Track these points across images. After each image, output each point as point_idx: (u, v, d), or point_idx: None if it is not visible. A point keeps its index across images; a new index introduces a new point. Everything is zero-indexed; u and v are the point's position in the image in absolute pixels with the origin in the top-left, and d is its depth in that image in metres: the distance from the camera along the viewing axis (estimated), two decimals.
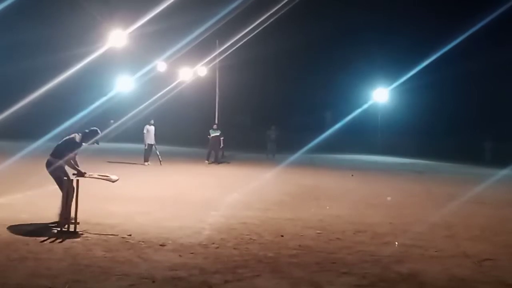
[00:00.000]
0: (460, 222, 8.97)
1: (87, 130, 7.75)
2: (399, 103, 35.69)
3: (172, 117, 32.68)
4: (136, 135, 20.88)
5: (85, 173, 7.50)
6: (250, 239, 7.03)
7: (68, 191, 7.17)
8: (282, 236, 7.29)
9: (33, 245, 6.23)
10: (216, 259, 5.93)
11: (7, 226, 7.10)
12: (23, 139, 22.14)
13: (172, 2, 18.82)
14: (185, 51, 25.31)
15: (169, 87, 26.24)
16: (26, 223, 7.39)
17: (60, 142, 7.69)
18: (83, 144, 7.64)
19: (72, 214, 7.05)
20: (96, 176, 7.61)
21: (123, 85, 30.79)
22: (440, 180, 17.88)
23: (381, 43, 35.15)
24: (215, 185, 13.49)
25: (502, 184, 16.72)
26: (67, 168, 7.61)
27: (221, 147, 21.22)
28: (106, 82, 31.66)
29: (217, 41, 24.91)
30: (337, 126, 30.63)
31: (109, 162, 18.07)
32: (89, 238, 6.67)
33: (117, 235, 6.88)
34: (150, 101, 24.06)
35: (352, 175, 17.70)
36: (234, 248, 6.47)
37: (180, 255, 6.03)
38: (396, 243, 7.15)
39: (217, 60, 25.53)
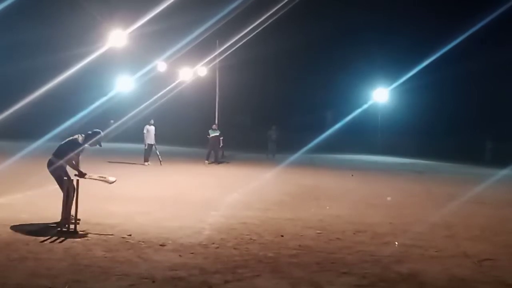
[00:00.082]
0: (460, 222, 8.97)
1: (90, 132, 7.76)
2: (399, 103, 35.68)
3: (172, 117, 32.67)
4: (136, 135, 20.89)
5: (85, 174, 7.51)
6: (250, 239, 7.03)
7: (69, 191, 7.17)
8: (282, 236, 7.29)
9: (33, 245, 6.23)
10: (216, 259, 5.93)
11: (7, 226, 7.10)
12: (23, 139, 22.15)
13: (172, 2, 18.81)
14: (185, 51, 25.31)
15: (169, 87, 26.22)
16: (26, 223, 7.39)
17: (62, 143, 7.71)
18: (86, 145, 7.65)
19: (73, 214, 7.06)
20: (96, 177, 7.62)
21: (123, 85, 30.76)
22: (440, 180, 17.88)
23: (381, 43, 35.15)
24: (215, 185, 13.49)
25: (502, 184, 16.72)
26: (68, 168, 7.62)
27: (220, 146, 21.23)
28: (106, 82, 31.63)
29: (217, 41, 24.90)
30: (337, 126, 30.63)
31: (109, 162, 18.06)
32: (89, 238, 6.67)
33: (113, 234, 6.88)
34: (150, 101, 24.05)
35: (352, 175, 17.71)
36: (234, 248, 6.47)
37: (180, 255, 6.03)
38: (396, 243, 7.15)
39: (217, 60, 25.51)
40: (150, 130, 19.00)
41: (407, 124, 33.94)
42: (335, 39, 36.70)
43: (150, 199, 10.31)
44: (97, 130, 7.88)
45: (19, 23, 31.08)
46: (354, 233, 7.69)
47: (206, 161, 20.37)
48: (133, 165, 18.08)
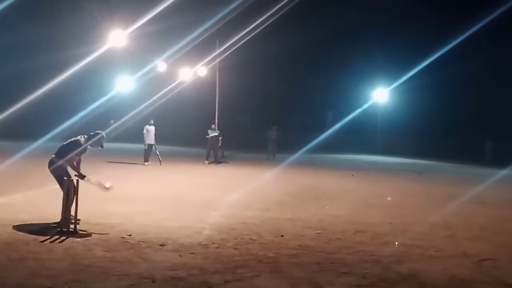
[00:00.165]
0: (460, 222, 8.97)
1: (92, 133, 7.77)
2: (399, 103, 35.67)
3: (172, 117, 32.67)
4: (136, 135, 20.89)
5: (85, 176, 7.51)
6: (250, 239, 7.03)
7: (69, 191, 7.18)
8: (282, 236, 7.29)
9: (33, 245, 6.23)
10: (216, 259, 5.93)
11: (7, 226, 7.10)
12: (23, 139, 22.15)
13: (172, 2, 18.81)
14: (185, 51, 25.31)
15: (169, 87, 26.22)
16: (26, 223, 7.39)
17: (64, 143, 7.71)
18: (87, 146, 7.65)
19: (73, 214, 7.06)
20: (93, 182, 7.59)
21: (123, 85, 30.77)
22: (440, 180, 17.88)
23: (381, 43, 35.15)
24: (215, 185, 13.49)
25: (502, 184, 16.72)
26: (69, 169, 7.63)
27: (219, 145, 21.23)
28: (106, 82, 31.63)
29: (217, 41, 24.90)
30: (337, 126, 30.64)
31: (109, 162, 18.07)
32: (89, 238, 6.67)
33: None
34: (150, 101, 24.05)
35: (352, 175, 17.71)
36: (234, 248, 6.47)
37: (180, 255, 6.03)
38: (396, 243, 7.15)
39: (217, 60, 25.50)
40: (150, 130, 19.01)
41: (407, 124, 33.93)
42: (335, 39, 36.72)
43: (150, 199, 10.31)
44: (99, 131, 7.89)
45: (19, 23, 31.08)
46: (354, 233, 7.69)
47: (206, 161, 20.38)
48: (133, 165, 18.08)
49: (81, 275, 5.16)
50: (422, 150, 31.09)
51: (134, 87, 30.49)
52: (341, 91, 36.57)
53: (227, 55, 25.45)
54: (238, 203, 10.24)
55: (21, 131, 26.59)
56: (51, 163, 7.58)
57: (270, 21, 23.51)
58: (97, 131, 7.86)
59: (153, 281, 5.06)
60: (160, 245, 6.46)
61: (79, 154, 7.61)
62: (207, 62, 26.04)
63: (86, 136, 7.70)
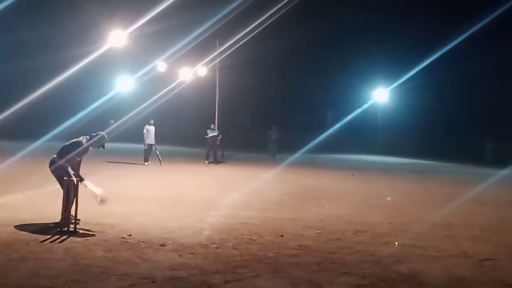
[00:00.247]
0: (460, 222, 8.97)
1: (94, 134, 7.77)
2: (399, 103, 35.67)
3: (172, 117, 32.67)
4: (136, 135, 20.90)
5: (83, 179, 7.49)
6: (250, 239, 7.03)
7: (69, 191, 7.18)
8: (282, 236, 7.29)
9: (33, 245, 6.23)
10: (216, 259, 5.93)
11: (7, 226, 7.10)
12: (23, 139, 22.15)
13: (172, 2, 18.80)
14: (185, 51, 25.30)
15: (169, 87, 26.21)
16: (26, 223, 7.39)
17: (66, 143, 7.71)
18: (89, 147, 7.65)
19: (73, 214, 7.07)
20: (90, 188, 7.53)
21: (123, 85, 30.76)
22: (440, 180, 17.88)
23: (381, 43, 35.15)
24: (215, 185, 13.49)
25: (502, 184, 16.72)
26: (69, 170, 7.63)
27: (217, 145, 21.24)
28: (106, 82, 31.62)
29: (217, 41, 24.89)
30: (337, 126, 30.64)
31: (109, 162, 18.07)
32: (89, 238, 6.67)
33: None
34: (150, 101, 24.04)
35: (352, 175, 17.71)
36: (234, 248, 6.47)
37: (180, 255, 6.03)
38: (396, 243, 7.15)
39: (217, 60, 25.49)
40: (150, 130, 19.02)
41: (407, 124, 33.93)
42: (335, 39, 36.71)
43: (150, 199, 10.32)
44: (101, 133, 7.90)
45: (19, 23, 31.08)
46: (354, 233, 7.69)
47: (206, 161, 20.40)
48: (133, 165, 18.09)
49: (81, 275, 5.16)
50: (422, 150, 31.09)
51: (134, 87, 30.48)
52: (341, 91, 36.58)
53: (227, 55, 25.44)
54: (238, 203, 10.24)
55: (21, 131, 26.59)
56: (51, 163, 7.59)
57: (270, 21, 23.51)
58: (99, 133, 7.87)
59: (153, 281, 5.06)
60: (160, 245, 6.46)
61: (80, 154, 7.60)
62: (207, 62, 26.03)
63: (88, 137, 7.70)
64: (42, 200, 9.24)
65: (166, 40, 26.92)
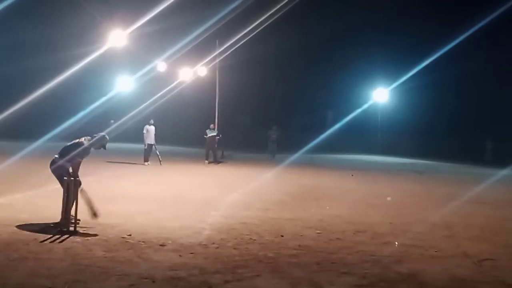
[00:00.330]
0: (460, 222, 8.97)
1: (95, 135, 7.77)
2: (399, 103, 35.67)
3: (172, 117, 32.66)
4: (136, 135, 20.89)
5: (80, 184, 7.45)
6: (250, 239, 7.03)
7: (69, 191, 7.18)
8: (282, 236, 7.29)
9: (33, 245, 6.23)
10: (216, 259, 5.93)
11: (7, 226, 7.10)
12: (23, 139, 22.15)
13: (172, 2, 18.81)
14: (185, 51, 25.30)
15: (169, 87, 26.22)
16: (26, 223, 7.39)
17: (68, 144, 7.71)
18: (89, 147, 7.64)
19: (73, 214, 7.07)
20: (85, 198, 7.42)
21: (123, 85, 30.76)
22: (440, 180, 17.88)
23: (381, 43, 35.16)
24: (215, 185, 13.49)
25: (502, 184, 16.72)
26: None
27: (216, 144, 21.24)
28: (106, 82, 31.62)
29: (217, 41, 24.89)
30: (337, 126, 30.64)
31: (109, 162, 18.07)
32: (89, 238, 6.67)
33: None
34: (150, 101, 24.04)
35: (352, 175, 17.71)
36: (234, 248, 6.47)
37: (180, 255, 6.03)
38: (396, 243, 7.15)
39: (217, 60, 25.49)
40: (150, 130, 19.02)
41: (407, 124, 33.93)
42: (335, 39, 36.71)
43: (150, 199, 10.32)
44: (103, 134, 7.90)
45: (19, 23, 31.07)
46: (354, 233, 7.69)
47: (206, 161, 20.41)
48: (133, 165, 18.09)
49: (81, 275, 5.16)
50: (422, 150, 31.08)
51: (134, 87, 30.48)
52: (341, 91, 36.57)
53: (227, 55, 25.44)
54: (238, 203, 10.24)
55: (21, 131, 26.58)
56: (52, 163, 7.59)
57: (270, 21, 23.51)
58: (100, 134, 7.87)
59: (153, 281, 5.06)
60: (160, 245, 6.46)
61: (82, 155, 7.57)
62: (207, 62, 26.03)
63: (90, 138, 7.70)
64: (42, 200, 9.23)
65: (166, 40, 26.93)
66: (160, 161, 18.43)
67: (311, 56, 38.68)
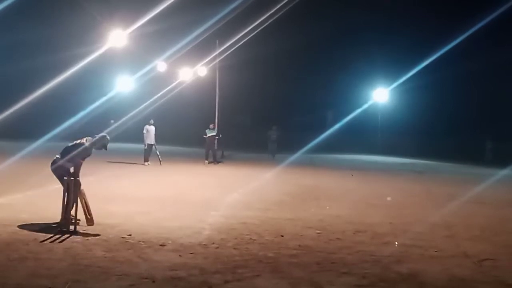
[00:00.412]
0: (460, 222, 8.97)
1: (96, 136, 7.78)
2: (399, 103, 35.67)
3: (172, 117, 32.66)
4: (136, 135, 20.90)
5: (80, 186, 7.45)
6: (250, 239, 7.03)
7: (69, 191, 7.18)
8: (282, 236, 7.29)
9: (33, 245, 6.23)
10: (216, 259, 5.93)
11: (7, 226, 7.10)
12: (23, 139, 22.15)
13: (172, 2, 18.81)
14: (185, 51, 25.31)
15: (169, 87, 26.23)
16: (26, 223, 7.38)
17: (69, 144, 7.71)
18: (90, 147, 7.64)
19: (73, 214, 7.07)
20: (83, 201, 7.43)
21: (123, 85, 30.76)
22: (440, 180, 17.88)
23: (381, 43, 35.13)
24: (215, 185, 13.49)
25: (502, 184, 16.72)
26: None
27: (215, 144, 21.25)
28: (106, 82, 31.62)
29: (217, 41, 24.88)
30: (337, 126, 30.65)
31: (109, 162, 18.06)
32: (89, 238, 6.67)
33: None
34: (150, 101, 24.05)
35: (352, 175, 17.71)
36: (234, 248, 6.47)
37: (180, 255, 6.03)
38: (396, 243, 7.15)
39: (217, 60, 25.48)
40: (150, 130, 19.03)
41: (407, 124, 33.92)
42: (335, 39, 36.70)
43: (150, 199, 10.32)
44: (104, 134, 7.90)
45: (19, 23, 31.06)
46: (354, 233, 7.69)
47: (206, 161, 20.41)
48: (133, 165, 18.09)
49: (81, 275, 5.16)
50: (422, 150, 31.08)
51: (134, 87, 30.47)
52: (341, 91, 36.57)
53: (227, 55, 25.44)
54: (238, 203, 10.24)
55: (21, 131, 26.58)
56: (53, 163, 7.60)
57: (270, 21, 23.52)
58: (101, 134, 7.87)
59: (153, 281, 5.06)
60: (160, 245, 6.46)
61: (82, 155, 7.56)
62: (207, 62, 26.03)
63: (91, 138, 7.70)
64: (42, 200, 9.23)
65: (166, 40, 26.93)
66: (160, 161, 18.43)
67: (311, 56, 38.69)
